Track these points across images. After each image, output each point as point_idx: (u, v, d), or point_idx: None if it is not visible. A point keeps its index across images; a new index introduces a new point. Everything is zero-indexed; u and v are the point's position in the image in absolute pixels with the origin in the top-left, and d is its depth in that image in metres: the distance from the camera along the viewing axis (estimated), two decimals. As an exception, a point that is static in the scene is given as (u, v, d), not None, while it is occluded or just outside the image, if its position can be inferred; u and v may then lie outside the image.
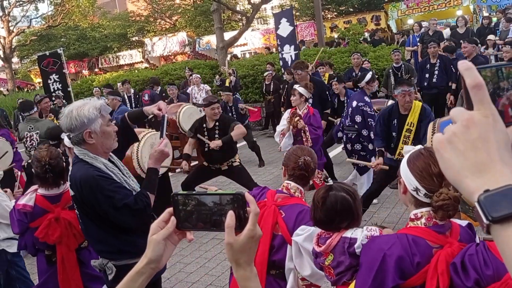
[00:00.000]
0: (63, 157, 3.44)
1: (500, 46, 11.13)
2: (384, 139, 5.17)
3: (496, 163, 0.64)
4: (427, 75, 8.33)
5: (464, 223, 1.86)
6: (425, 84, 8.26)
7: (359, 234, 1.99)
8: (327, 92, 6.99)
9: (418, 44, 11.20)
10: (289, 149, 2.65)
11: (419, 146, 1.92)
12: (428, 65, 8.48)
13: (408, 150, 1.92)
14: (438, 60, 8.37)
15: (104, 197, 2.40)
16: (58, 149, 3.54)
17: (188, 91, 11.10)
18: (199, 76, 11.36)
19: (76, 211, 2.68)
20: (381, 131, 5.16)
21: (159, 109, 2.70)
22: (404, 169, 1.81)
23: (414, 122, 4.89)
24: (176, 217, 1.01)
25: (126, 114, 2.91)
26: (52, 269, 3.25)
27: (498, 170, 0.63)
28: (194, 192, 1.01)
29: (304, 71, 6.56)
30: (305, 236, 2.18)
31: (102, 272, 2.67)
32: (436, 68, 8.30)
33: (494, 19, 14.46)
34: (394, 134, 5.04)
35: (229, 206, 0.95)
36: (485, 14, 16.40)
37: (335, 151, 8.81)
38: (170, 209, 1.02)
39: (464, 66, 0.67)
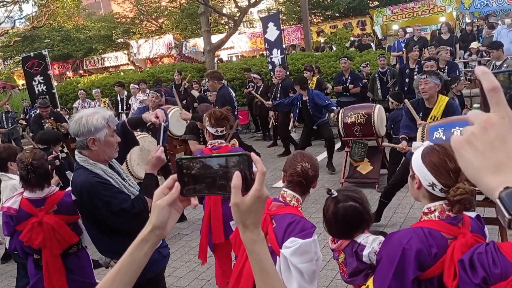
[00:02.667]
0: (56, 162, 3.42)
1: (483, 53, 11.37)
2: (408, 128, 5.05)
3: None
4: (407, 80, 8.41)
5: (473, 214, 1.92)
6: (406, 88, 8.33)
7: (369, 241, 2.02)
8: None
9: (403, 49, 11.33)
10: (290, 155, 2.59)
11: (426, 143, 1.97)
12: (408, 70, 8.58)
13: (416, 146, 1.97)
14: (416, 66, 8.50)
15: (102, 202, 2.51)
16: (59, 151, 3.52)
17: (130, 101, 11.23)
18: (137, 86, 11.49)
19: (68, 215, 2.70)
20: (406, 124, 5.08)
21: (157, 117, 2.81)
22: (418, 165, 1.86)
23: (438, 116, 4.83)
24: (181, 182, 0.98)
25: (126, 119, 3.04)
26: (39, 273, 3.20)
27: None
28: (199, 155, 0.99)
29: (212, 81, 6.92)
30: (293, 249, 2.09)
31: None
32: (415, 73, 8.40)
33: (477, 25, 14.74)
34: (417, 126, 4.91)
35: (235, 168, 0.93)
36: (468, 20, 16.71)
37: (324, 154, 8.86)
38: (174, 176, 1.00)
39: (481, 71, 0.71)
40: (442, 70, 8.20)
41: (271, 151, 9.82)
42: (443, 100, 4.92)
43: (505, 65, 7.42)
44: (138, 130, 4.83)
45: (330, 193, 2.15)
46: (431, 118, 4.85)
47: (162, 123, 2.81)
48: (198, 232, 5.77)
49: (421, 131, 4.18)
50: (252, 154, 0.95)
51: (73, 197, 2.68)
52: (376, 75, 9.12)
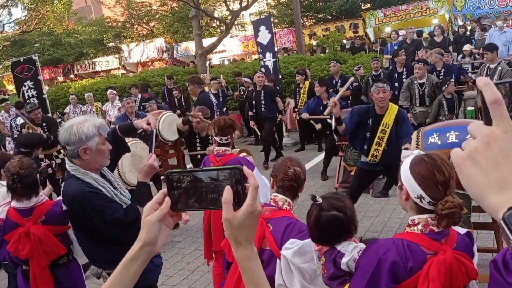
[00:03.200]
0: (49, 170, 3.33)
1: (476, 55, 11.40)
2: (350, 129, 4.98)
3: None
4: (396, 84, 8.37)
5: (463, 231, 1.88)
6: (396, 92, 8.28)
7: (349, 250, 1.99)
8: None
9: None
10: (278, 160, 2.58)
11: (416, 151, 1.90)
12: (396, 74, 8.55)
13: (406, 155, 1.93)
14: (404, 69, 8.49)
15: (94, 212, 2.49)
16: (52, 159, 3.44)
17: (103, 107, 11.22)
18: (114, 92, 11.50)
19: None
20: (350, 125, 4.96)
21: (148, 124, 2.78)
22: (406, 175, 1.80)
23: (389, 123, 4.88)
24: (171, 197, 0.95)
25: (117, 126, 3.00)
26: (28, 285, 3.13)
27: None
28: (189, 168, 0.96)
29: (192, 85, 7.07)
30: (294, 250, 2.11)
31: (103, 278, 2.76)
32: (403, 77, 8.40)
33: (469, 28, 14.82)
34: (367, 134, 4.97)
35: (226, 181, 0.90)
36: (460, 23, 16.79)
37: (317, 158, 8.81)
38: (164, 190, 0.97)
39: (483, 82, 0.67)
40: (438, 73, 8.22)
41: (263, 156, 9.74)
42: (393, 108, 4.95)
43: (499, 68, 7.40)
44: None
45: (315, 200, 2.13)
46: (383, 126, 4.88)
47: (154, 130, 2.77)
48: (192, 239, 5.71)
49: (416, 136, 4.13)
50: (245, 168, 0.91)
51: (64, 207, 2.65)
52: (370, 78, 9.09)
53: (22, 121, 8.83)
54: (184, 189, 0.93)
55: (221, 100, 10.20)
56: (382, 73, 9.13)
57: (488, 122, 0.68)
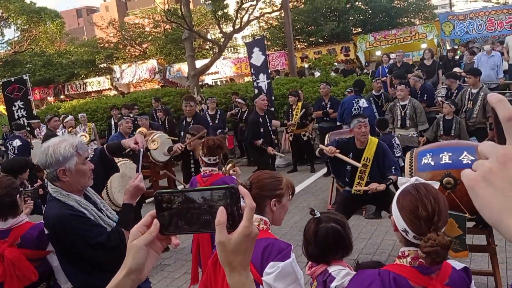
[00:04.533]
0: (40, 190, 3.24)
1: (465, 78, 11.54)
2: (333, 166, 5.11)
3: None
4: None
5: (459, 266, 1.79)
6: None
7: (340, 275, 1.96)
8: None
9: (387, 75, 11.45)
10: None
11: (413, 179, 1.86)
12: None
13: (402, 182, 1.88)
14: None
15: (76, 236, 2.38)
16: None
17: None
18: (85, 115, 11.60)
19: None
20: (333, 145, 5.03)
21: (136, 143, 2.70)
22: (394, 207, 1.76)
23: (370, 157, 4.86)
24: (160, 219, 0.88)
25: (105, 146, 2.93)
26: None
27: None
28: (180, 189, 0.89)
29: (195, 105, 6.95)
30: (275, 275, 1.99)
31: None
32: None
33: (458, 52, 15.07)
34: (348, 167, 4.96)
35: (220, 202, 0.84)
36: (448, 47, 17.09)
37: (310, 179, 8.76)
38: (152, 212, 0.90)
39: (496, 98, 0.64)
40: (417, 94, 8.41)
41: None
42: (373, 142, 4.94)
43: (481, 93, 7.54)
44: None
45: (313, 214, 2.11)
46: (364, 160, 4.87)
47: (141, 149, 2.68)
48: (181, 262, 5.58)
49: (409, 157, 4.10)
50: (240, 187, 0.85)
51: (46, 231, 2.52)
52: (371, 99, 9.13)
53: (19, 143, 8.75)
54: (175, 211, 0.87)
55: (217, 121, 10.09)
56: (383, 94, 9.17)
57: (501, 141, 0.64)
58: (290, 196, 2.23)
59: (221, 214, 0.83)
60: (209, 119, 9.84)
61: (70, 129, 10.21)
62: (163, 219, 0.88)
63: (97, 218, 2.49)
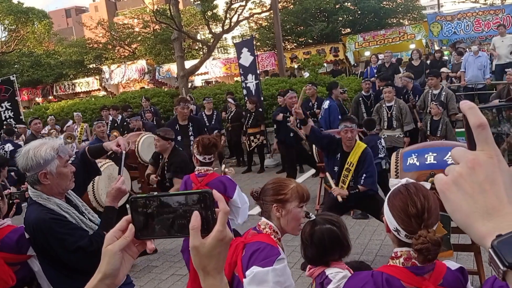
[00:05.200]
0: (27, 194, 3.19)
1: (452, 78, 11.66)
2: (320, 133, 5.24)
3: (506, 205, 0.63)
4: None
5: (455, 266, 1.80)
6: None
7: (337, 278, 1.98)
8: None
9: (376, 75, 11.52)
10: (266, 184, 2.43)
11: (404, 180, 1.86)
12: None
13: (393, 183, 1.87)
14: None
15: (56, 240, 2.36)
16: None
17: (43, 131, 11.15)
18: (80, 114, 11.74)
19: None
20: (327, 139, 5.12)
21: (118, 145, 2.68)
22: (385, 208, 1.77)
23: (354, 162, 4.90)
24: (135, 224, 0.88)
25: (86, 148, 2.89)
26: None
27: (508, 212, 0.63)
28: (156, 193, 0.89)
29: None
30: (249, 278, 1.98)
31: None
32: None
33: (446, 53, 15.20)
34: (336, 168, 5.01)
35: (195, 206, 0.85)
36: (436, 48, 17.24)
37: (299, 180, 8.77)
38: (127, 217, 0.91)
39: (468, 105, 0.66)
40: (408, 94, 8.59)
41: (245, 177, 9.69)
42: (360, 147, 4.97)
43: (443, 93, 7.71)
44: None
45: (308, 216, 2.14)
46: (347, 164, 4.93)
47: (124, 152, 2.66)
48: (169, 263, 5.56)
49: (395, 158, 4.13)
50: (214, 192, 0.86)
51: (27, 235, 2.48)
52: (360, 99, 9.17)
53: (12, 147, 8.64)
54: (150, 216, 0.87)
55: (213, 122, 10.03)
56: (372, 94, 9.20)
57: (472, 146, 0.66)
58: (300, 203, 2.16)
59: (195, 219, 0.83)
60: (205, 119, 9.82)
61: (50, 131, 10.02)
62: (139, 224, 0.88)
63: (78, 221, 2.47)
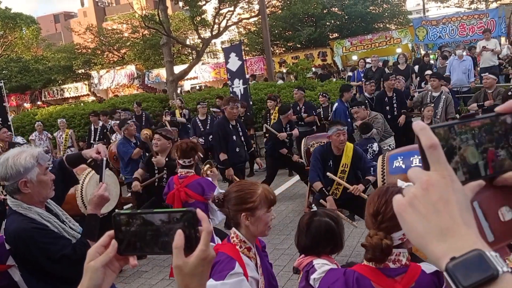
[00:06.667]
0: None
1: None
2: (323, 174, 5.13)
3: (460, 226, 0.63)
4: (387, 108, 8.47)
5: (431, 269, 1.79)
6: (389, 116, 8.29)
7: (322, 270, 1.99)
8: None
9: (363, 79, 11.65)
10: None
11: (405, 184, 1.86)
12: (386, 98, 8.64)
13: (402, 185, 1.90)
14: (394, 94, 8.69)
15: (39, 250, 2.30)
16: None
17: (31, 137, 11.35)
18: (64, 120, 11.70)
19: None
20: (321, 166, 5.11)
21: (98, 152, 2.60)
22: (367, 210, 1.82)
23: (348, 163, 5.00)
24: (118, 240, 0.89)
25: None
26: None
27: (462, 233, 0.63)
28: (139, 210, 0.91)
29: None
30: None
31: None
32: (394, 101, 8.57)
33: (432, 56, 15.41)
34: (328, 175, 5.08)
35: (178, 224, 0.85)
36: (422, 52, 17.47)
37: (288, 183, 8.84)
38: (110, 232, 0.91)
39: (419, 126, 0.66)
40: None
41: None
42: (349, 147, 5.07)
43: (443, 97, 7.78)
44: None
45: (310, 207, 2.19)
46: (342, 166, 5.02)
47: (104, 158, 2.59)
48: (159, 268, 5.57)
49: (381, 161, 4.20)
50: (198, 211, 0.87)
51: (7, 246, 2.41)
52: (367, 102, 9.15)
53: None
54: (133, 232, 0.88)
55: (208, 127, 9.66)
56: (374, 97, 9.16)
57: (426, 166, 0.66)
58: (269, 208, 2.10)
59: (178, 238, 0.84)
60: (200, 124, 9.68)
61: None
62: (121, 240, 0.89)
63: (61, 230, 2.42)
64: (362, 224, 5.99)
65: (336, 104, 8.59)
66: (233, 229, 2.12)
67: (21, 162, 2.30)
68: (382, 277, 1.69)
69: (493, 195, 0.73)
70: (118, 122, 9.37)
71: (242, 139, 6.61)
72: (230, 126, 6.46)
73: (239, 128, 6.65)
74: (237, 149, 6.47)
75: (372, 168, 4.92)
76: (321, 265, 2.03)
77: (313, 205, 2.23)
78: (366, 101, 9.09)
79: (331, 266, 2.03)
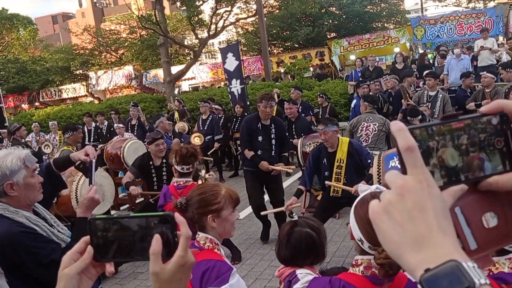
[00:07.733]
0: None
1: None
2: (311, 180, 5.17)
3: (435, 234, 0.59)
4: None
5: None
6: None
7: (305, 280, 1.96)
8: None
9: (360, 79, 11.62)
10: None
11: (374, 187, 1.83)
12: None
13: (362, 190, 1.82)
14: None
15: (28, 254, 2.24)
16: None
17: (28, 138, 11.15)
18: (55, 122, 11.78)
19: None
20: (311, 172, 5.10)
21: (87, 155, 2.57)
22: (351, 216, 1.72)
23: (343, 158, 4.94)
24: (94, 246, 0.86)
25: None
26: None
27: (438, 242, 0.59)
28: (115, 215, 0.88)
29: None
30: None
31: None
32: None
33: (430, 55, 15.40)
34: (326, 173, 5.03)
35: (156, 229, 0.82)
36: (421, 51, 17.46)
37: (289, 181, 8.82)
38: (86, 238, 0.88)
39: (397, 127, 0.62)
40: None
41: (232, 181, 9.70)
42: (344, 142, 5.01)
43: (440, 95, 7.76)
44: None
45: (291, 216, 2.13)
46: (337, 162, 4.96)
47: (93, 160, 2.56)
48: (155, 269, 5.52)
49: (377, 161, 4.18)
50: (177, 215, 0.84)
51: None
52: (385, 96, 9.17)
53: None
54: (110, 238, 0.85)
55: (207, 127, 9.59)
56: (380, 96, 9.05)
57: (404, 170, 0.62)
58: (234, 208, 2.10)
59: (156, 243, 0.81)
60: (200, 123, 9.68)
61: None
62: (98, 246, 0.86)
63: (49, 234, 2.36)
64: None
65: (354, 101, 8.73)
66: (200, 234, 2.07)
67: (7, 164, 2.24)
68: (369, 285, 1.64)
69: (477, 200, 0.68)
70: (118, 124, 9.41)
71: (273, 142, 5.76)
72: (259, 125, 5.69)
73: (273, 130, 5.76)
74: (259, 152, 5.66)
75: (370, 161, 4.86)
76: (305, 275, 1.99)
77: (294, 214, 2.16)
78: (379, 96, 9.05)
79: (314, 276, 2.00)
